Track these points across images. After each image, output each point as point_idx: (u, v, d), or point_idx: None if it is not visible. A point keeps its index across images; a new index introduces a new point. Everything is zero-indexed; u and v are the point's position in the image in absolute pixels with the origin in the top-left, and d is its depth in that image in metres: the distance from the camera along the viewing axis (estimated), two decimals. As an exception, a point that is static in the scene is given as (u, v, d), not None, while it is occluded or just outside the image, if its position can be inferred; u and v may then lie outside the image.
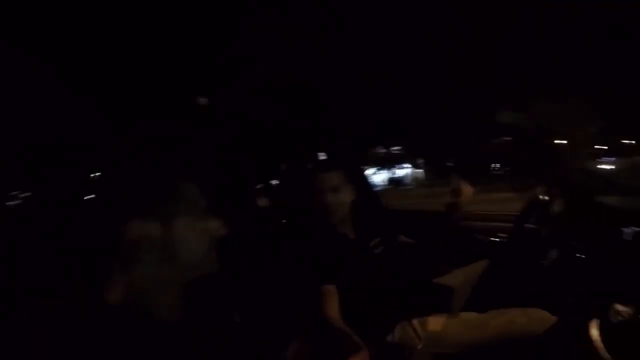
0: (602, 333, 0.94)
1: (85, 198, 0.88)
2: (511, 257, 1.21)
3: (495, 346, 1.09)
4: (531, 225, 1.23)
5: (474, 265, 1.37)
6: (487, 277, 1.32)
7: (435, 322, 1.16)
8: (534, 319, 1.11)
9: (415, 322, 1.19)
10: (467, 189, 1.27)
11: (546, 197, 1.13)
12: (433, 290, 1.32)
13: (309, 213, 1.35)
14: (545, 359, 1.09)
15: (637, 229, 1.21)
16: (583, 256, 1.22)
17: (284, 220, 1.77)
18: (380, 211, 1.84)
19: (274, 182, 2.08)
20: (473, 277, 1.35)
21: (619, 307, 0.97)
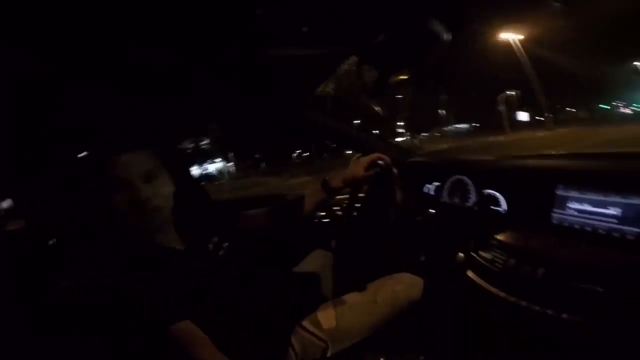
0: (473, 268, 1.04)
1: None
2: (355, 229, 1.19)
3: (390, 320, 1.03)
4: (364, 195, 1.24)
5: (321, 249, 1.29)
6: (341, 253, 1.26)
7: (327, 318, 0.99)
8: (407, 283, 1.11)
9: (307, 325, 0.95)
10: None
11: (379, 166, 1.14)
12: (300, 281, 1.14)
13: (103, 225, 0.87)
14: (432, 320, 1.10)
15: (438, 183, 1.38)
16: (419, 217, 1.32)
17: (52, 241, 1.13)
18: (208, 204, 1.48)
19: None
20: (328, 258, 1.26)
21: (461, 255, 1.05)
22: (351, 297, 1.05)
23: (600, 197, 0.89)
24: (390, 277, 1.11)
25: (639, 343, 0.70)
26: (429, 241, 1.35)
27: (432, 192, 1.48)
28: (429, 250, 1.33)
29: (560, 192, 0.99)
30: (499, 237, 1.04)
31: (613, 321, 0.73)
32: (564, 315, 0.78)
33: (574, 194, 0.96)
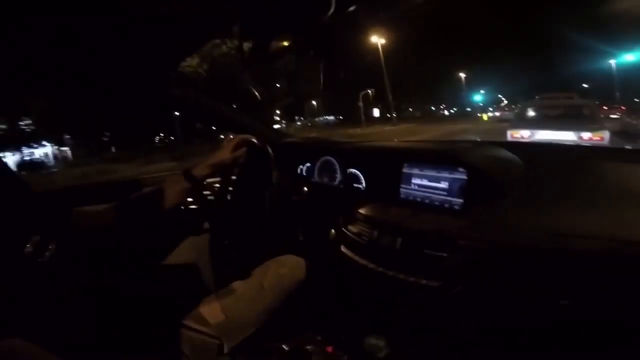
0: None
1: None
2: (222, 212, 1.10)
3: (280, 305, 1.00)
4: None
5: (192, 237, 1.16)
6: (216, 240, 1.16)
7: (212, 312, 0.87)
8: (291, 265, 1.09)
9: (191, 323, 0.86)
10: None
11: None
12: (173, 275, 0.99)
13: None
14: (319, 299, 1.10)
15: (309, 164, 1.44)
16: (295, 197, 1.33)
17: None
18: (24, 197, 1.09)
19: None
20: (202, 245, 1.14)
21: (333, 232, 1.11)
22: (236, 286, 0.97)
23: (434, 173, 1.08)
24: (274, 260, 1.08)
25: (481, 302, 0.79)
26: (305, 220, 1.39)
27: (304, 173, 1.54)
28: (306, 230, 1.38)
29: (405, 170, 1.15)
30: (362, 211, 1.13)
31: (458, 283, 0.81)
32: (423, 281, 0.87)
33: (415, 171, 1.12)
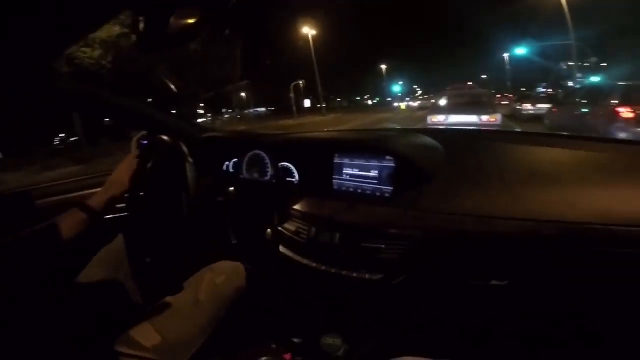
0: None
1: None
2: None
3: (222, 316, 0.92)
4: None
5: (108, 247, 0.98)
6: (136, 254, 1.00)
7: (146, 333, 0.74)
8: (228, 272, 0.99)
9: (123, 349, 0.75)
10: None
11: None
12: (90, 295, 0.83)
13: None
14: (267, 305, 1.06)
15: (236, 159, 1.35)
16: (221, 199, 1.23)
17: None
18: None
19: None
20: (117, 259, 0.97)
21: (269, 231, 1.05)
22: (168, 302, 0.86)
23: (364, 162, 1.08)
24: (208, 269, 0.99)
25: (423, 290, 0.80)
26: (237, 221, 1.29)
27: (232, 169, 1.43)
28: (238, 232, 1.28)
29: (337, 160, 1.13)
30: (297, 207, 1.09)
31: (399, 274, 0.81)
32: (367, 276, 0.86)
33: (346, 161, 1.12)
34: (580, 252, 0.67)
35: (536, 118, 8.93)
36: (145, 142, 1.21)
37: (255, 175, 1.33)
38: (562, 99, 7.77)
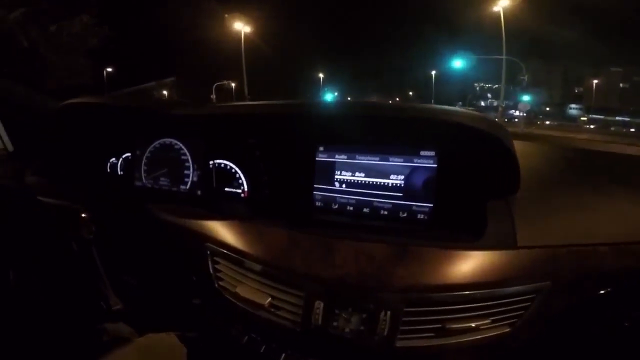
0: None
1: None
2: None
3: None
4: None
5: None
6: None
7: None
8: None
9: None
10: None
11: None
12: None
13: None
14: None
15: None
16: None
17: None
18: None
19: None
20: None
21: None
22: None
23: (376, 160, 0.60)
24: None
25: None
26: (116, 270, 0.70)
27: (119, 171, 0.82)
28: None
29: (321, 156, 0.63)
30: (246, 247, 0.55)
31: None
32: None
33: (341, 158, 0.62)
34: None
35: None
36: None
37: (164, 182, 0.73)
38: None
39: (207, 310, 0.58)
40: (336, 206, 0.61)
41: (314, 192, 0.63)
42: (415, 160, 0.57)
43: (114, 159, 0.82)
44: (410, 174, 0.57)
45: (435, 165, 0.56)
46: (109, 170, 0.82)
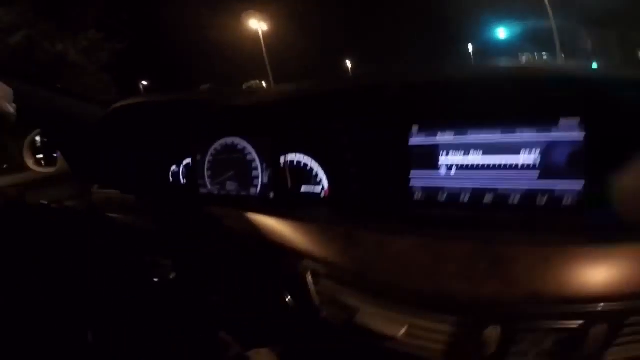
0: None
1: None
2: None
3: None
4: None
5: None
6: None
7: None
8: None
9: None
10: None
11: None
12: None
13: None
14: None
15: None
16: None
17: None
18: None
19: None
20: None
21: None
22: None
23: (498, 138, 0.47)
24: None
25: None
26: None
27: (182, 179, 0.76)
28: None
29: (415, 138, 0.52)
30: (334, 257, 0.46)
31: None
32: None
33: (444, 137, 0.51)
34: None
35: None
36: None
37: (231, 187, 0.66)
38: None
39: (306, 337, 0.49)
40: (444, 198, 0.50)
41: (410, 185, 0.52)
42: (553, 130, 0.44)
43: (174, 167, 0.76)
44: (547, 148, 0.44)
45: (583, 133, 0.42)
46: (171, 179, 0.77)
